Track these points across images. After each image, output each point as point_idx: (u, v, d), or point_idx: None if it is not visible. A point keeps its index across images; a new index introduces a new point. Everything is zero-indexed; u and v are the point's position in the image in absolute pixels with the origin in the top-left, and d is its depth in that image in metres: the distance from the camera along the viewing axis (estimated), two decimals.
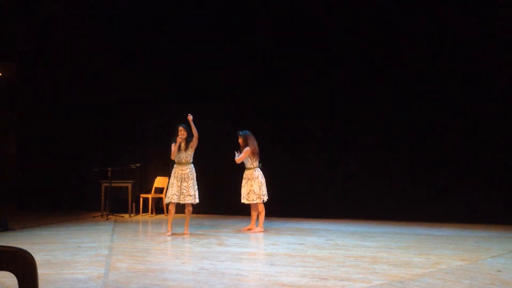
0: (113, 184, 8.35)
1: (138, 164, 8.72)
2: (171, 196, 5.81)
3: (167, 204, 6.11)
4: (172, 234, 5.80)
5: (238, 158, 6.23)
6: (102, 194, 8.47)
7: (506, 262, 3.89)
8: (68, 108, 9.85)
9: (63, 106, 9.87)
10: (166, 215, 8.61)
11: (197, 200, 5.93)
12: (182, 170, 5.87)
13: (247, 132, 6.33)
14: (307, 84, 8.43)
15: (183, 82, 9.17)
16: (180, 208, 6.39)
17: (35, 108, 10.04)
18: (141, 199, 8.80)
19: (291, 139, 8.43)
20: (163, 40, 9.32)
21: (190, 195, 5.81)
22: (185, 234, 5.84)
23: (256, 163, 6.26)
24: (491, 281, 3.12)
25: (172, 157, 5.95)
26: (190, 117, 5.81)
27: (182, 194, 5.80)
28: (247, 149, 6.17)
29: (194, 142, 5.92)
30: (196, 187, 5.93)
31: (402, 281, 3.10)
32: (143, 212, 8.86)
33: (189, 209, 5.95)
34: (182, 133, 5.89)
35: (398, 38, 7.95)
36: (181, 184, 5.82)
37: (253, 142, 6.26)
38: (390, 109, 7.92)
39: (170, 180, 5.91)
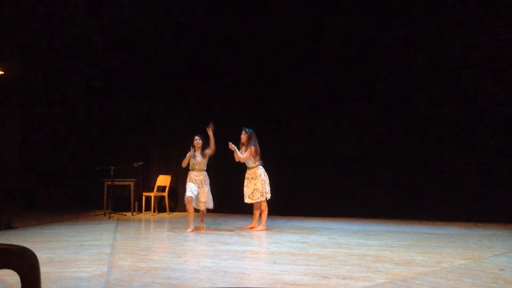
0: (116, 183, 8.37)
1: (140, 163, 8.73)
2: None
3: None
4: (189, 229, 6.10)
5: (243, 157, 6.12)
6: (105, 192, 8.49)
7: (508, 261, 3.88)
8: (70, 106, 9.86)
9: (65, 104, 9.88)
10: (168, 214, 8.65)
11: (210, 206, 6.31)
12: (196, 176, 6.22)
13: (252, 131, 6.29)
14: (308, 83, 8.41)
15: (184, 82, 9.17)
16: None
17: (38, 107, 10.05)
18: (144, 197, 8.82)
19: (293, 138, 8.41)
20: (164, 39, 9.31)
21: (203, 202, 6.18)
22: (202, 228, 6.25)
23: (258, 162, 6.21)
24: (493, 280, 3.11)
25: (183, 165, 6.30)
26: (210, 129, 6.05)
27: (197, 199, 6.13)
28: (252, 148, 6.10)
29: (210, 153, 6.23)
30: (209, 193, 6.29)
31: (405, 279, 3.10)
32: (145, 210, 8.88)
33: (202, 210, 6.33)
34: (197, 142, 6.24)
35: (398, 38, 7.93)
36: (197, 189, 6.16)
37: (256, 141, 6.22)
38: (391, 109, 7.90)
39: (187, 184, 6.19)
